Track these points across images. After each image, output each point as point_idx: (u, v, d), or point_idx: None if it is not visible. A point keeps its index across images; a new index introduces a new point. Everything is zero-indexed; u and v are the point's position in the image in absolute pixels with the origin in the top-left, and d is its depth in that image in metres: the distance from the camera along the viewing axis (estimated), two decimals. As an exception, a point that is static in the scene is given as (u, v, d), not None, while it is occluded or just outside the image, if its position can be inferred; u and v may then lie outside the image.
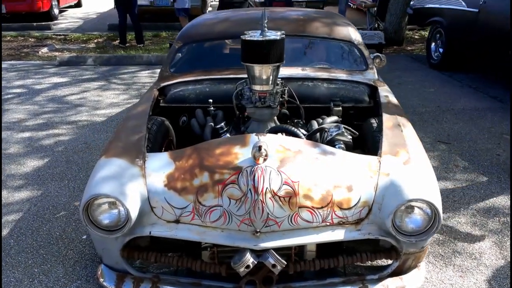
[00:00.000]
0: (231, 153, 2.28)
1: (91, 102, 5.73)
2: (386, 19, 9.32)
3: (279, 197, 2.11)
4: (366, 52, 3.52)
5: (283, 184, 2.13)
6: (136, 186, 2.24)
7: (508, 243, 2.74)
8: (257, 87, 2.63)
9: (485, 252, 2.67)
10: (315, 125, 2.81)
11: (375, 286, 2.31)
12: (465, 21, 6.38)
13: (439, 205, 2.13)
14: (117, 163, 2.35)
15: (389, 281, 2.33)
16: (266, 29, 2.60)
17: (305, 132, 2.69)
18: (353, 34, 3.61)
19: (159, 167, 2.35)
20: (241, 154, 2.24)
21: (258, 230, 2.10)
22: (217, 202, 2.15)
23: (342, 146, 2.51)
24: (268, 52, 2.49)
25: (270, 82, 2.61)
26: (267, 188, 2.09)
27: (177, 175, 2.28)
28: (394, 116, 2.80)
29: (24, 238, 2.87)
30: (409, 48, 8.96)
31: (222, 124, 2.71)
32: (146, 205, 2.23)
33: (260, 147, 2.06)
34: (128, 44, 9.47)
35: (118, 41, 9.67)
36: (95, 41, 10.13)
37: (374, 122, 2.78)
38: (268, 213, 2.09)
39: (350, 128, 2.64)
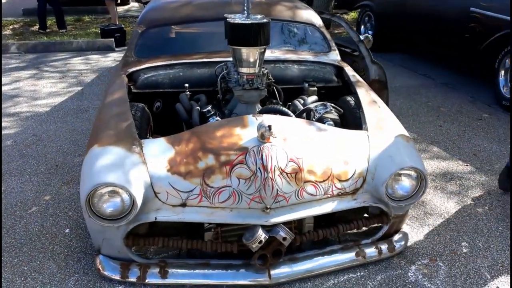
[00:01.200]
0: (233, 134, 2.33)
1: (27, 92, 5.36)
2: (313, 4, 9.63)
3: (287, 173, 2.21)
4: (327, 35, 3.69)
5: (289, 161, 2.23)
6: (138, 173, 2.22)
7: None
8: (244, 70, 2.68)
9: (451, 211, 2.99)
10: (298, 105, 2.93)
11: (369, 249, 2.51)
12: (393, 5, 6.85)
13: (425, 171, 2.37)
14: (114, 151, 2.30)
15: (381, 243, 2.55)
16: (249, 12, 2.65)
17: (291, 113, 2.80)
18: (314, 17, 3.77)
19: (158, 152, 2.34)
20: (243, 135, 2.30)
21: (268, 207, 2.19)
22: (226, 182, 2.20)
23: (331, 123, 2.66)
24: (257, 35, 2.55)
25: (257, 64, 2.67)
26: (275, 165, 2.19)
27: (179, 160, 2.29)
28: (368, 93, 3.01)
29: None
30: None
31: (209, 107, 2.72)
32: (149, 191, 2.22)
33: (270, 127, 2.14)
34: (48, 30, 8.87)
35: (37, 26, 9.01)
36: (11, 27, 9.34)
37: (350, 99, 2.96)
38: (277, 190, 2.18)
39: (336, 106, 2.79)
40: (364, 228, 2.55)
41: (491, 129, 4.36)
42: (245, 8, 2.63)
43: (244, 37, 2.56)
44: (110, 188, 2.16)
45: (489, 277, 2.40)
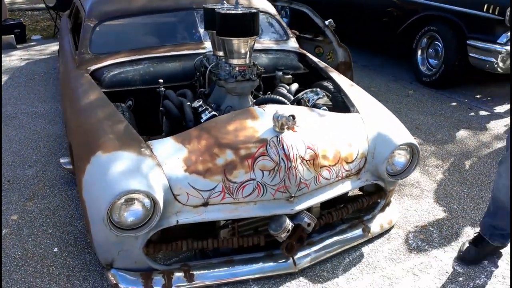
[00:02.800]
0: (246, 127, 2.30)
1: None
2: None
3: (306, 161, 2.26)
4: (283, 23, 3.76)
5: (307, 149, 2.28)
6: (155, 176, 2.11)
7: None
8: (235, 61, 2.63)
9: (420, 180, 3.28)
10: (285, 94, 2.94)
11: (371, 224, 2.67)
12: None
13: (417, 146, 2.57)
14: (125, 156, 2.15)
15: (379, 216, 2.73)
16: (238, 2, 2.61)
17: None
18: (268, 5, 3.80)
19: (170, 153, 2.23)
20: (257, 127, 2.29)
21: (293, 195, 2.22)
22: (250, 176, 2.18)
23: (325, 108, 2.75)
24: (250, 25, 2.52)
25: (248, 55, 2.65)
26: (296, 154, 2.22)
27: (194, 158, 2.21)
28: (341, 77, 3.15)
29: (-24, 268, 2.36)
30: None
31: (201, 102, 2.64)
32: (168, 194, 2.12)
33: (293, 116, 2.16)
34: None
35: None
36: None
37: (328, 84, 3.07)
38: (300, 178, 2.22)
39: (326, 92, 2.88)
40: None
41: (420, 103, 4.82)
42: (235, -1, 2.59)
43: (236, 28, 2.51)
44: (130, 196, 2.02)
45: (472, 234, 2.71)
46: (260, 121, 2.32)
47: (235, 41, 2.57)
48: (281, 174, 2.18)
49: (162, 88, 2.91)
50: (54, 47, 6.93)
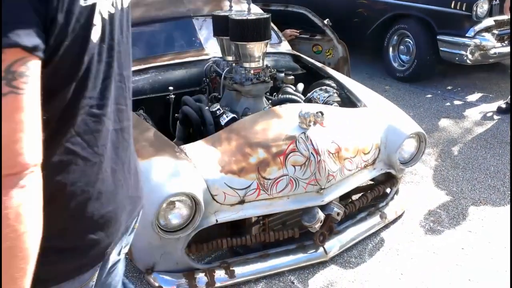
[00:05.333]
0: (273, 126, 2.42)
1: None
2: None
3: (332, 154, 2.40)
4: (275, 27, 3.89)
5: (332, 143, 2.42)
6: (194, 178, 2.18)
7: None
8: (250, 64, 2.74)
9: (418, 168, 3.49)
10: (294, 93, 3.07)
11: (386, 210, 2.84)
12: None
13: (425, 134, 2.77)
14: (163, 162, 2.21)
15: (392, 203, 2.90)
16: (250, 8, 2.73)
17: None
18: (259, 10, 3.92)
19: (203, 155, 2.31)
20: (284, 125, 2.41)
21: (323, 187, 2.35)
22: (283, 172, 2.29)
23: (337, 105, 2.90)
24: (263, 29, 2.64)
25: (261, 58, 2.76)
26: (323, 148, 2.35)
27: (228, 159, 2.29)
28: (340, 74, 3.33)
29: None
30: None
31: (218, 106, 2.72)
32: (207, 195, 2.20)
33: (322, 113, 2.29)
34: None
35: None
36: None
37: (330, 82, 3.23)
38: (328, 170, 2.36)
39: (335, 89, 3.04)
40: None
41: (398, 98, 5.09)
42: (248, 3, 2.70)
43: (251, 33, 2.62)
44: (173, 199, 2.09)
45: (476, 213, 2.94)
46: (284, 119, 2.44)
47: (250, 45, 2.68)
48: (312, 168, 2.31)
49: (172, 96, 2.97)
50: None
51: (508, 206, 2.98)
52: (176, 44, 3.41)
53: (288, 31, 4.37)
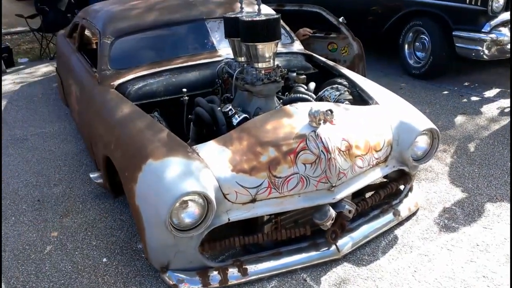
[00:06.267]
0: (284, 125, 2.44)
1: None
2: None
3: (343, 151, 2.41)
4: (287, 27, 3.92)
5: (342, 140, 2.43)
6: (206, 177, 2.22)
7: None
8: (261, 65, 2.77)
9: (433, 165, 3.47)
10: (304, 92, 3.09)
11: (400, 207, 2.84)
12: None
13: (437, 130, 2.76)
14: (175, 161, 2.25)
15: (406, 200, 2.89)
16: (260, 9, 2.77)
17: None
18: (271, 11, 3.95)
19: (215, 155, 2.35)
20: (294, 124, 2.43)
21: (333, 185, 2.37)
22: (293, 170, 2.32)
23: (348, 103, 2.91)
24: (273, 30, 2.67)
25: (272, 58, 2.79)
26: (334, 146, 2.37)
27: (239, 158, 2.33)
28: (352, 72, 3.33)
29: (34, 285, 2.41)
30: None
31: (230, 106, 2.76)
32: (219, 194, 2.23)
33: (331, 111, 2.31)
34: None
35: None
36: None
37: (342, 80, 3.24)
38: (339, 168, 2.37)
39: (346, 87, 3.05)
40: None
41: (414, 95, 5.05)
42: (258, 5, 2.73)
43: (262, 34, 2.65)
44: (186, 198, 2.13)
45: (491, 209, 2.91)
46: (295, 118, 2.46)
47: (260, 46, 2.71)
48: (322, 166, 2.33)
49: (186, 97, 3.02)
50: (43, 68, 6.93)
51: (525, 202, 2.94)
52: (190, 47, 3.46)
53: (301, 30, 4.40)
